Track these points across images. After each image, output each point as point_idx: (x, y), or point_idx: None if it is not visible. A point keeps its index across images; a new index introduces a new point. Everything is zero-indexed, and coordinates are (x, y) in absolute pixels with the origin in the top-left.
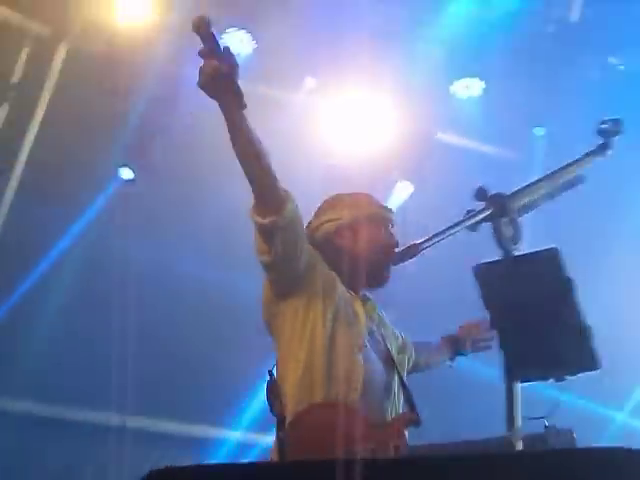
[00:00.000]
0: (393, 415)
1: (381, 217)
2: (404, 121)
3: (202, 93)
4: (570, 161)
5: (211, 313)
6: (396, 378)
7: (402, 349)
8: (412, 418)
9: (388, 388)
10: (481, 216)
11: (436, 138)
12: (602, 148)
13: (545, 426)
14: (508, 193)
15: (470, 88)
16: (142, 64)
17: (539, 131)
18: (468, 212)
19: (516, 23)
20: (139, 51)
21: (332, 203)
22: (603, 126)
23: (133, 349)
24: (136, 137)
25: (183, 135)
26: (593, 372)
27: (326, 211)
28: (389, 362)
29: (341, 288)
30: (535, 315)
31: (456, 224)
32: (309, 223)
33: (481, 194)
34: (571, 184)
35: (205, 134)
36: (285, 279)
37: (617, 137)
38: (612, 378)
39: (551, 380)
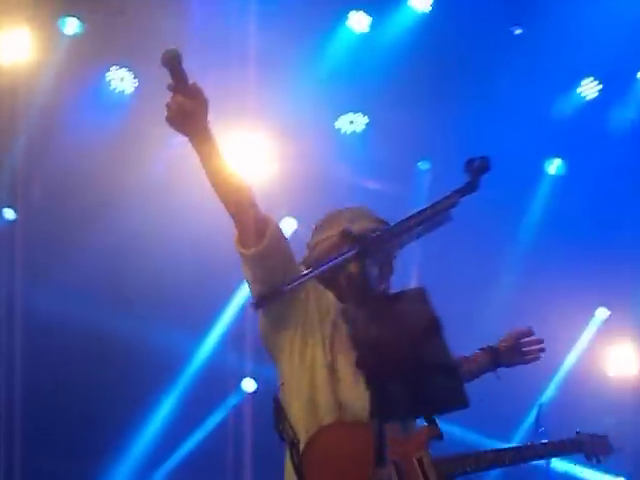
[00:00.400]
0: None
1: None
2: (290, 158)
3: (87, 133)
4: (438, 199)
5: (97, 354)
6: None
7: None
8: (434, 431)
9: None
10: (347, 256)
11: (321, 174)
12: (470, 186)
13: (577, 432)
14: (373, 235)
15: (354, 123)
16: (22, 104)
17: (424, 165)
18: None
19: (399, 58)
20: (19, 91)
21: (329, 219)
22: (470, 164)
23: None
24: (17, 178)
25: (64, 175)
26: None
27: (323, 228)
28: None
29: (339, 306)
30: (403, 354)
31: (324, 264)
32: (308, 242)
33: (346, 235)
34: (439, 223)
35: (87, 174)
36: (276, 308)
37: (484, 174)
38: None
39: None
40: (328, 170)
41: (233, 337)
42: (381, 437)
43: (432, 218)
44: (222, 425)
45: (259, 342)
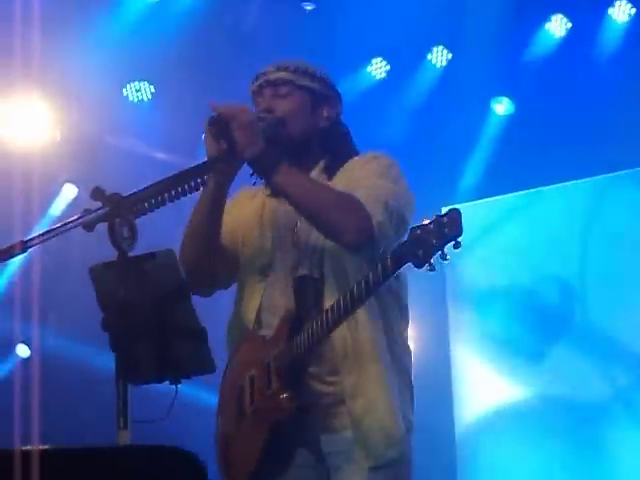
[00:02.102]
0: None
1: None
2: (73, 123)
3: None
4: (196, 164)
5: None
6: None
7: None
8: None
9: None
10: (96, 215)
11: (105, 142)
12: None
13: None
14: (124, 195)
15: (141, 92)
16: None
17: None
18: (85, 211)
19: (189, 28)
20: None
21: None
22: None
23: None
24: None
25: None
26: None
27: None
28: None
29: None
30: (150, 317)
31: (71, 222)
32: None
33: (97, 193)
34: (195, 188)
35: None
36: None
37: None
38: None
39: (167, 382)
40: (113, 138)
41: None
42: (125, 399)
43: (187, 182)
44: None
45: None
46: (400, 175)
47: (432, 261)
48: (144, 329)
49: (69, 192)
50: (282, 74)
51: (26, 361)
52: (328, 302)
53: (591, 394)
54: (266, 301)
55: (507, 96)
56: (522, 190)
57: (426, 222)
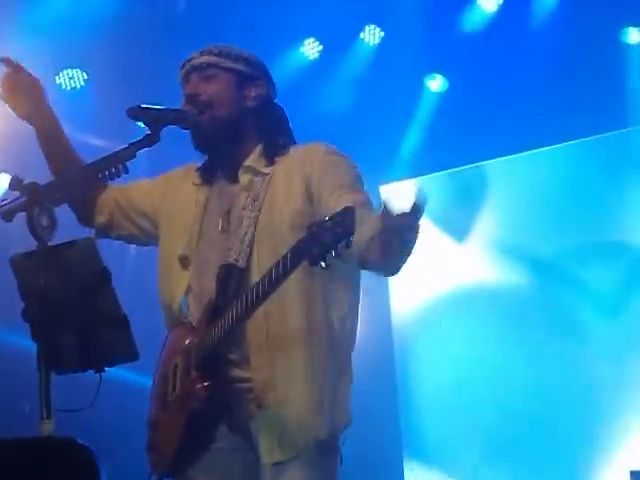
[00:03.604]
0: None
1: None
2: (5, 111)
3: None
4: (117, 150)
5: None
6: None
7: None
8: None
9: None
10: (14, 204)
11: None
12: (149, 138)
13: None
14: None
15: (74, 79)
16: None
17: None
18: (2, 201)
19: (122, 13)
20: None
21: None
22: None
23: None
24: None
25: None
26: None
27: None
28: None
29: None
30: (71, 306)
31: None
32: None
33: (15, 183)
34: (116, 174)
35: None
36: None
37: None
38: None
39: (91, 371)
40: None
41: None
42: (47, 388)
43: (108, 168)
44: None
45: None
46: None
47: (326, 259)
48: (66, 318)
49: (5, 180)
50: (206, 58)
51: None
52: None
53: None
54: (194, 286)
55: (440, 73)
56: (458, 166)
57: (324, 219)
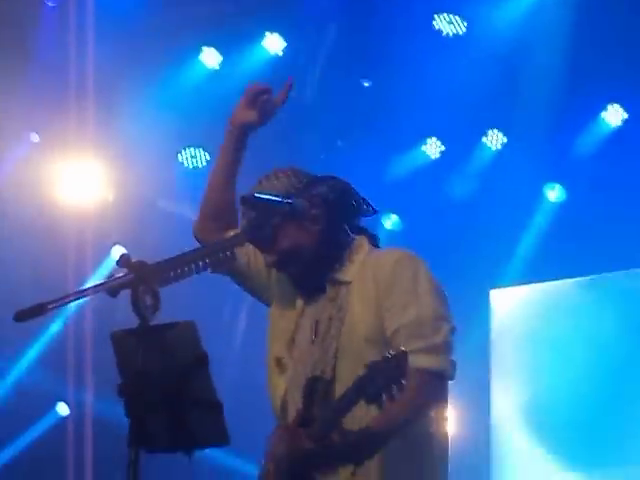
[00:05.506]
0: None
1: None
2: (126, 185)
3: None
4: (227, 238)
5: None
6: None
7: None
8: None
9: None
10: (120, 281)
11: (157, 206)
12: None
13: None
14: (150, 263)
15: (197, 158)
16: None
17: None
18: (110, 276)
19: None
20: None
21: None
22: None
23: None
24: None
25: None
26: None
27: None
28: None
29: None
30: (167, 386)
31: (95, 287)
32: None
33: (123, 260)
34: (222, 261)
35: None
36: None
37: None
38: None
39: (179, 452)
40: (164, 202)
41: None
42: (135, 465)
43: (215, 255)
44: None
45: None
46: (427, 280)
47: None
48: (160, 398)
49: (118, 254)
50: None
51: (65, 420)
52: None
53: None
54: (289, 394)
55: (559, 183)
56: (573, 277)
57: (379, 360)
